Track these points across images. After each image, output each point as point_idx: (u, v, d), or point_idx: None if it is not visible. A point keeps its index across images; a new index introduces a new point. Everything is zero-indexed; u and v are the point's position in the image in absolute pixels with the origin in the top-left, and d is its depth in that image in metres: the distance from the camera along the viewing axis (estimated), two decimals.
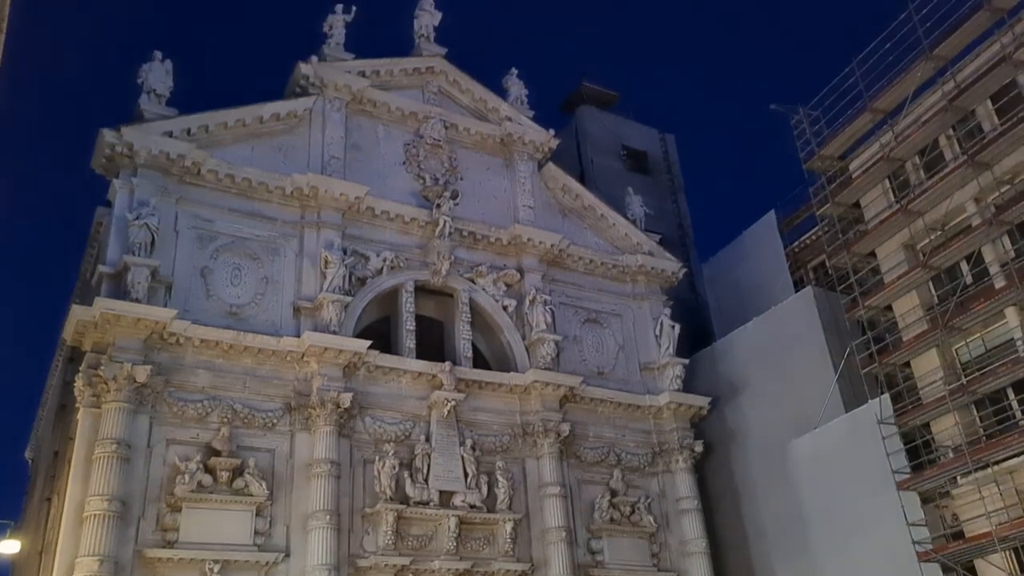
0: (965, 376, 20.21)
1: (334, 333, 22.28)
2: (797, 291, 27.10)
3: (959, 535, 19.34)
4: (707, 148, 79.02)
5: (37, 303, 77.38)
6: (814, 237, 28.96)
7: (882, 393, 21.14)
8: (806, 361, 25.49)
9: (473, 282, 26.01)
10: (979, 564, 18.95)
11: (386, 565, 20.80)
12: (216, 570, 18.92)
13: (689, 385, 28.02)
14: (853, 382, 23.24)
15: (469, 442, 23.24)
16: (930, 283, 21.73)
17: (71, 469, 19.28)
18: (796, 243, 30.74)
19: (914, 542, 18.90)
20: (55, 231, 78.92)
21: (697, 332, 30.83)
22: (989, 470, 18.34)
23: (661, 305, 28.75)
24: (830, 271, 25.71)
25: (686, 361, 27.64)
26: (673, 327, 27.95)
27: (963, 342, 20.58)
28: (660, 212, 35.97)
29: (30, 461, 33.13)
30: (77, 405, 19.96)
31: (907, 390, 21.14)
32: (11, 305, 71.69)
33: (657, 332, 28.07)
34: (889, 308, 22.71)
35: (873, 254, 23.54)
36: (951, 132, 21.61)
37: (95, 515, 18.12)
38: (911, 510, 19.27)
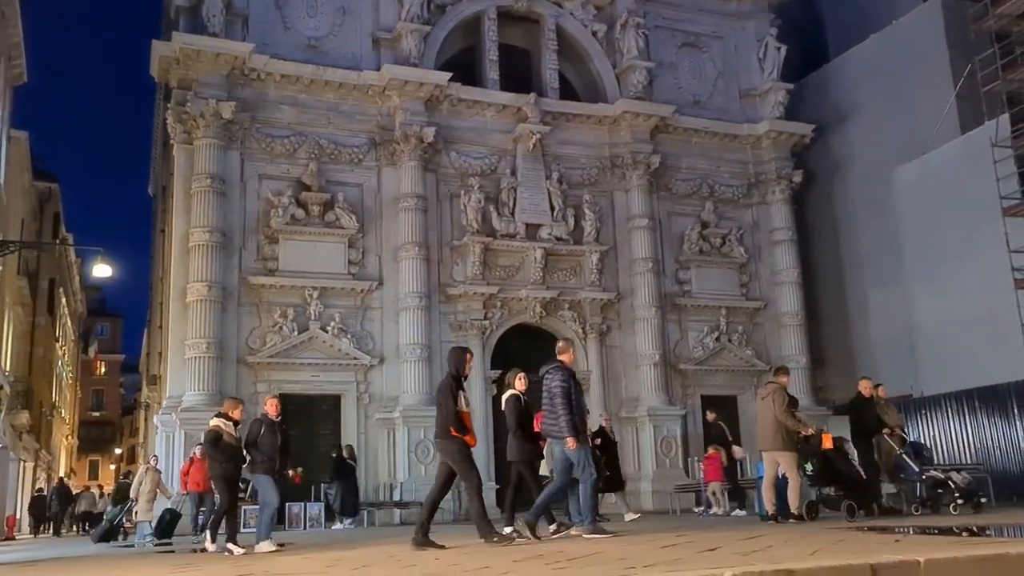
0: None
1: (414, 65, 21.72)
2: (925, 2, 24.36)
3: None
4: None
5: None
6: None
7: (1001, 113, 19.29)
8: (925, 81, 23.45)
9: (560, 6, 24.43)
10: None
11: (475, 293, 21.63)
12: (316, 295, 20.17)
13: (795, 112, 26.44)
14: (974, 104, 21.29)
15: (556, 175, 23.00)
16: None
17: (174, 203, 20.36)
18: None
19: (1014, 269, 18.05)
20: None
21: (811, 55, 28.52)
22: None
23: (768, 25, 26.48)
24: None
25: (790, 86, 25.86)
26: (779, 49, 25.91)
27: None
28: None
29: (152, 197, 35.30)
30: (171, 142, 20.66)
31: None
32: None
33: (761, 55, 26.14)
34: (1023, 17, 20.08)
35: None
36: None
37: (199, 245, 19.30)
38: (1016, 238, 18.19)
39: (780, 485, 11.51)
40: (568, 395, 8.65)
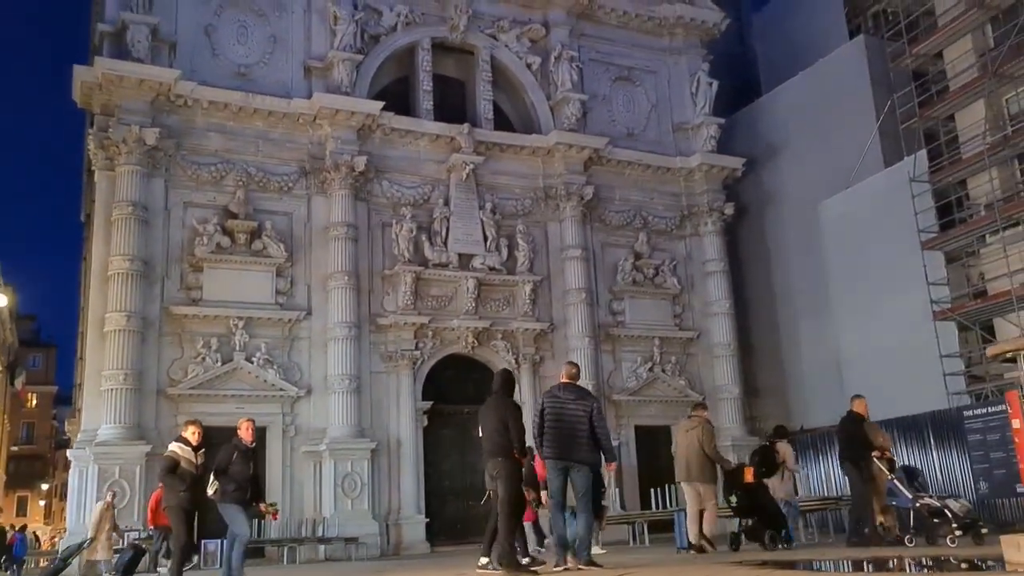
0: (1012, 128, 18.66)
1: (346, 94, 21.59)
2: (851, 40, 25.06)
3: (983, 295, 18.79)
4: None
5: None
6: None
7: (918, 150, 19.82)
8: (851, 117, 24.05)
9: (495, 38, 24.57)
10: (998, 323, 18.52)
11: (406, 323, 21.40)
12: (240, 325, 19.74)
13: (728, 145, 26.89)
14: (896, 140, 21.89)
15: (489, 205, 22.97)
16: (988, 26, 19.61)
17: (94, 231, 19.84)
18: None
19: (932, 301, 18.46)
20: None
21: (744, 89, 29.16)
22: (1020, 227, 17.35)
23: (700, 60, 26.96)
24: (890, 17, 23.52)
25: (721, 120, 26.30)
26: (711, 84, 26.35)
27: (1014, 92, 18.83)
28: None
29: (83, 224, 34.39)
30: (92, 168, 20.17)
31: (947, 146, 19.76)
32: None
33: (694, 90, 26.54)
34: (940, 56, 20.75)
35: None
36: None
37: (118, 273, 18.76)
38: (934, 270, 18.64)
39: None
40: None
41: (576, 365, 9.36)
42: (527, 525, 16.03)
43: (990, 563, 6.00)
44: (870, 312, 20.93)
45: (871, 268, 21.02)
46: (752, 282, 26.92)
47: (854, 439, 11.24)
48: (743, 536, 12.15)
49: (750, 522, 12.25)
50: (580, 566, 8.31)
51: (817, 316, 24.01)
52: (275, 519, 10.94)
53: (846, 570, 7.51)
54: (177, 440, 9.49)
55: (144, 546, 15.31)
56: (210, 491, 9.25)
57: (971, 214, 19.31)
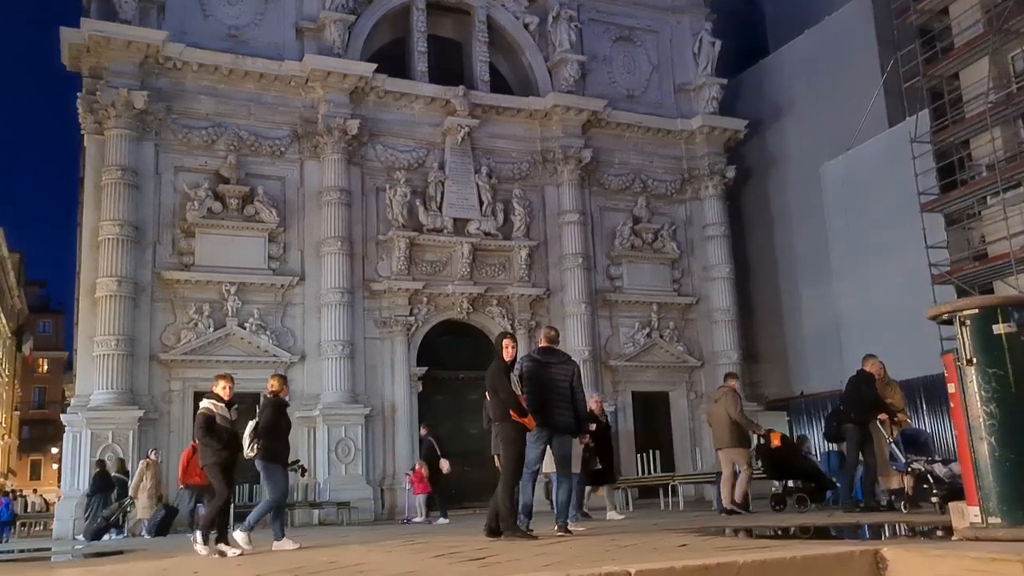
0: (1016, 84, 18.15)
1: (338, 56, 21.26)
2: None
3: (984, 258, 18.42)
4: None
5: None
6: None
7: (920, 110, 19.34)
8: (856, 76, 23.45)
9: None
10: (998, 287, 18.16)
11: (400, 289, 21.24)
12: (233, 291, 19.65)
13: (732, 107, 26.41)
14: (901, 99, 21.39)
15: (485, 169, 22.67)
16: None
17: (84, 196, 19.72)
18: None
19: (931, 264, 18.11)
20: None
21: (751, 50, 28.51)
22: (1021, 188, 16.93)
23: (703, 19, 26.38)
24: None
25: (724, 81, 25.78)
26: (713, 44, 25.80)
27: (1019, 48, 18.27)
28: None
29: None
30: (81, 132, 20.01)
31: (951, 105, 19.27)
32: None
33: (696, 50, 26.00)
34: (946, 13, 20.16)
35: None
36: None
37: (109, 239, 18.68)
38: (933, 233, 18.27)
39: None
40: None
41: (555, 329, 9.14)
42: (419, 498, 16.51)
43: (938, 531, 5.82)
44: (870, 276, 20.60)
45: (872, 231, 20.66)
46: (754, 246, 26.58)
47: (863, 400, 10.74)
48: (786, 498, 12.90)
49: (790, 483, 12.73)
50: (557, 532, 8.18)
51: (818, 280, 23.69)
52: (304, 476, 10.91)
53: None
54: (208, 396, 9.05)
55: (176, 505, 15.38)
56: (250, 451, 8.95)
57: (973, 175, 18.88)
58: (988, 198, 18.28)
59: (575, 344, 22.44)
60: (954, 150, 19.30)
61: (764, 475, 13.19)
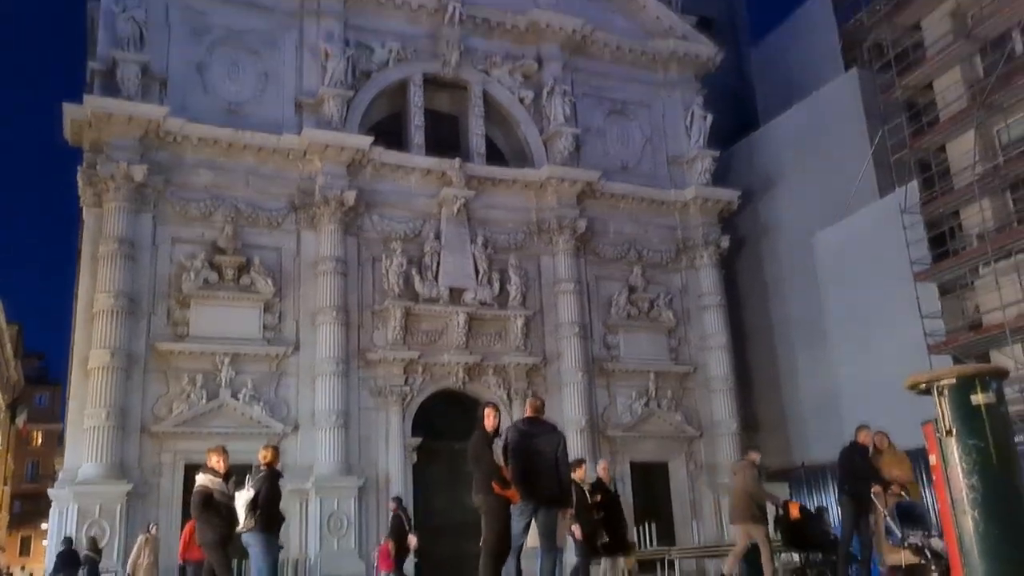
0: (1003, 157, 18.43)
1: (336, 129, 21.64)
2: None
3: (979, 328, 18.41)
4: None
5: None
6: (870, 12, 26.21)
7: (909, 180, 19.60)
8: (845, 148, 23.87)
9: (488, 73, 24.64)
10: (995, 356, 18.12)
11: (395, 358, 21.18)
12: (227, 361, 19.57)
13: (726, 178, 26.79)
14: (890, 171, 21.70)
15: (481, 239, 22.84)
16: (977, 56, 19.47)
17: (80, 268, 19.82)
18: (852, 21, 27.99)
19: (926, 334, 18.10)
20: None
21: (744, 123, 29.15)
22: (1012, 259, 17.04)
23: (694, 93, 26.94)
24: (887, 50, 23.46)
25: (716, 153, 26.18)
26: (705, 117, 26.28)
27: (1004, 122, 18.61)
28: None
29: None
30: (81, 204, 20.22)
31: (939, 176, 19.54)
32: None
33: (688, 122, 26.48)
34: (930, 88, 20.61)
35: (919, 26, 21.12)
36: None
37: (103, 310, 18.70)
38: (928, 302, 18.31)
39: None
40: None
41: (540, 398, 9.08)
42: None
43: None
44: (867, 344, 20.57)
45: (866, 300, 20.72)
46: (750, 314, 26.61)
47: (859, 472, 10.61)
48: (807, 570, 12.88)
49: (809, 556, 12.54)
50: None
51: (815, 349, 23.65)
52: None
53: None
54: (204, 471, 8.95)
55: None
56: (250, 523, 8.74)
57: (964, 245, 19.01)
58: (980, 267, 18.38)
59: (572, 413, 22.30)
60: (944, 220, 19.51)
61: (783, 547, 13.01)
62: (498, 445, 8.02)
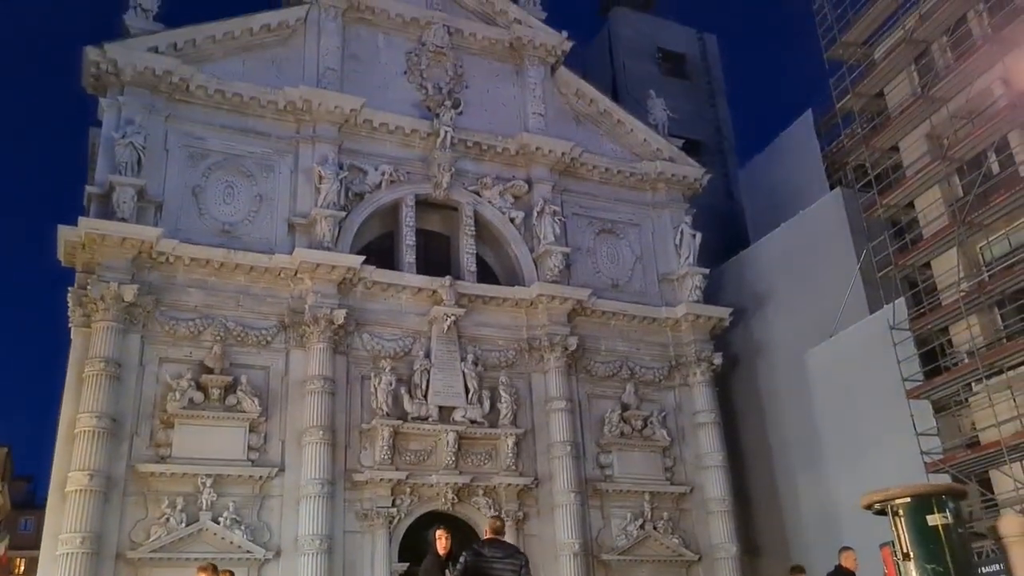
0: (987, 273, 18.52)
1: (328, 249, 21.90)
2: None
3: (976, 445, 18.04)
4: (747, 49, 74.77)
5: None
6: (850, 135, 27.06)
7: (896, 297, 19.65)
8: (832, 266, 24.13)
9: (478, 194, 25.14)
10: (994, 475, 17.68)
11: (382, 479, 20.69)
12: (209, 484, 19.10)
13: (717, 296, 26.93)
14: (878, 287, 21.82)
15: (471, 357, 22.72)
16: (955, 176, 19.90)
17: (65, 389, 19.61)
18: (835, 143, 28.85)
19: (923, 452, 17.72)
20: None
21: (733, 242, 29.58)
22: (1004, 375, 16.86)
23: (683, 213, 27.41)
24: (868, 170, 24.05)
25: (706, 271, 26.40)
26: (694, 236, 26.64)
27: (986, 240, 18.82)
28: (697, 117, 34.44)
29: None
30: (69, 325, 20.22)
31: (926, 293, 19.60)
32: None
33: (677, 241, 26.82)
34: (912, 206, 20.97)
35: (897, 148, 21.69)
36: (980, 7, 19.41)
37: (84, 431, 18.37)
38: (923, 420, 18.01)
39: None
40: None
41: (501, 519, 8.86)
42: None
43: None
44: (863, 463, 20.12)
45: (860, 417, 20.42)
46: (746, 433, 26.19)
47: None
48: None
49: None
50: None
51: (812, 467, 23.15)
52: None
53: None
54: None
55: None
56: None
57: (956, 361, 18.87)
58: (973, 385, 18.18)
59: (564, 536, 21.64)
60: (934, 336, 19.43)
61: None
62: (454, 570, 7.69)
